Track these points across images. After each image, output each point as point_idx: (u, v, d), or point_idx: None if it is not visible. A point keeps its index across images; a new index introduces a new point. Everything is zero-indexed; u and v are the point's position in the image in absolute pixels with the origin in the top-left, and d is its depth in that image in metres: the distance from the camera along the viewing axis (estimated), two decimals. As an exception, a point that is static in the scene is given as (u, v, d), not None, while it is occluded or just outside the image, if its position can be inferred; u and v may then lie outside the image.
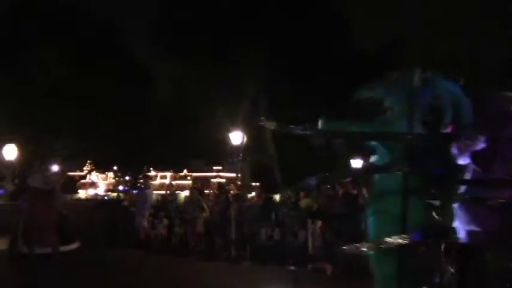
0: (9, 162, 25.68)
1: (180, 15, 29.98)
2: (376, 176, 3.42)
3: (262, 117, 3.35)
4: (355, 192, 9.86)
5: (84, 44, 29.29)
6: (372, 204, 3.42)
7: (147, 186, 14.46)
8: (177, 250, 12.22)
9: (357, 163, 27.19)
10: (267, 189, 18.72)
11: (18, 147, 25.17)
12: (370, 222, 3.44)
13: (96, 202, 23.70)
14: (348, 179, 10.82)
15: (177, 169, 49.62)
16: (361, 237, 8.74)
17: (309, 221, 9.84)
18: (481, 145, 3.06)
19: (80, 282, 7.91)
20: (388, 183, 3.22)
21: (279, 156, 4.83)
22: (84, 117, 29.53)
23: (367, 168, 3.39)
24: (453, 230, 3.19)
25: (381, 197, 3.28)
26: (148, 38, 30.38)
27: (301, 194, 11.24)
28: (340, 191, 10.23)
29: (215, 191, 14.39)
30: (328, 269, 9.37)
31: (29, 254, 7.56)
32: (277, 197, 17.32)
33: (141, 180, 26.31)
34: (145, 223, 12.77)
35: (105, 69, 29.52)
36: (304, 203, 10.91)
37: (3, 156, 25.68)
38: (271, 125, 3.31)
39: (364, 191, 9.33)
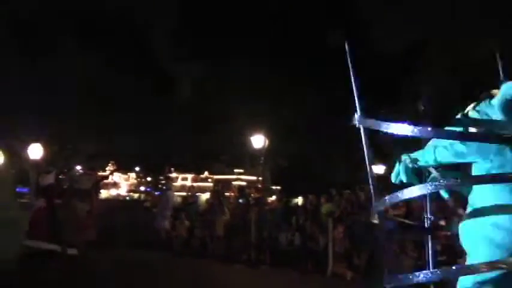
0: (34, 161, 26.13)
1: (202, 16, 30.15)
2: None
3: (360, 115, 3.04)
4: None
5: (106, 44, 29.64)
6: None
7: (169, 188, 14.51)
8: (197, 252, 12.26)
9: (378, 168, 26.98)
10: (287, 193, 18.68)
11: (43, 146, 25.60)
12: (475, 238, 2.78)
13: (118, 202, 23.94)
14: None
15: (198, 171, 49.85)
16: (381, 246, 8.63)
17: (330, 226, 9.77)
18: None
19: (99, 282, 7.99)
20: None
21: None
22: (107, 117, 29.90)
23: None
24: None
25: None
26: (171, 38, 30.60)
27: (322, 198, 11.18)
28: (363, 197, 10.15)
29: (236, 194, 14.40)
30: (348, 274, 9.30)
31: (34, 250, 7.63)
32: (297, 201, 17.25)
33: (163, 182, 26.47)
34: (166, 224, 12.83)
35: (127, 69, 29.82)
36: (325, 208, 10.85)
37: (28, 155, 26.13)
38: (370, 123, 3.03)
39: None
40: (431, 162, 3.11)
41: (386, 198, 2.84)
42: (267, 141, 20.50)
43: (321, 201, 11.15)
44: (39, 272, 7.62)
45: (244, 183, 37.71)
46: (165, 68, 31.03)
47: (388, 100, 26.80)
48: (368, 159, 3.06)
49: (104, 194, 45.57)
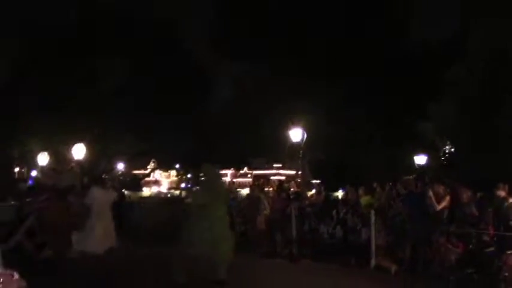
0: (78, 161, 26.82)
1: (240, 16, 30.31)
2: None
3: None
4: (418, 191, 9.59)
5: (145, 46, 30.15)
6: None
7: None
8: (238, 247, 12.32)
9: (420, 159, 26.53)
10: (327, 187, 18.58)
11: (86, 146, 26.25)
12: None
13: (159, 199, 24.32)
14: (412, 177, 10.55)
15: (237, 167, 50.14)
16: (426, 237, 8.49)
17: (372, 219, 9.65)
18: None
19: (143, 279, 8.15)
20: None
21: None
22: (148, 117, 30.43)
23: None
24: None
25: None
26: (209, 38, 30.86)
27: (360, 191, 11.05)
28: (403, 190, 9.98)
29: (275, 188, 14.39)
30: (392, 268, 9.18)
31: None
32: (337, 194, 17.11)
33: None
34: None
35: (167, 70, 30.25)
36: (364, 200, 10.73)
37: (72, 155, 26.86)
38: None
39: (430, 193, 9.03)
40: None
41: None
42: (305, 135, 20.42)
43: (360, 194, 11.03)
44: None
45: (283, 178, 37.70)
46: (204, 67, 31.33)
47: (428, 89, 26.34)
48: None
49: (145, 191, 46.49)
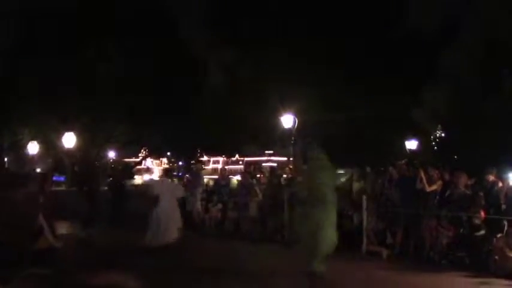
0: (69, 150, 26.68)
1: (233, 2, 30.08)
2: None
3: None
4: (410, 175, 9.62)
5: (139, 33, 29.87)
6: None
7: (198, 169, 14.87)
8: (230, 233, 12.35)
9: (411, 144, 26.62)
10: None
11: (76, 135, 26.10)
12: None
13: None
14: (403, 161, 10.57)
15: (229, 154, 50.11)
16: (417, 221, 8.53)
17: (364, 204, 9.68)
18: None
19: (133, 262, 8.14)
20: None
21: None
22: (139, 104, 30.24)
23: None
24: None
25: None
26: (202, 25, 30.59)
27: (354, 176, 11.05)
28: (395, 174, 10.00)
29: (267, 175, 14.38)
30: (384, 252, 9.23)
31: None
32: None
33: (193, 166, 26.84)
34: (198, 205, 12.98)
35: (159, 57, 30.00)
36: (357, 186, 10.73)
37: (63, 144, 26.71)
38: None
39: (422, 174, 9.08)
40: None
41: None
42: (297, 121, 20.40)
43: (353, 179, 11.03)
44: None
45: (275, 164, 37.74)
46: (196, 53, 31.07)
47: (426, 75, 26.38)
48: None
49: (137, 179, 46.33)
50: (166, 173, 10.33)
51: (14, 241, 6.84)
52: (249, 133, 33.77)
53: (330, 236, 7.16)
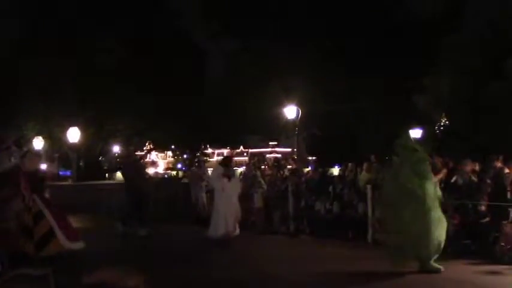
0: (74, 144, 26.76)
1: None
2: None
3: None
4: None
5: (141, 26, 29.82)
6: None
7: (202, 160, 14.89)
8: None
9: (416, 133, 26.58)
10: (323, 163, 18.58)
11: (81, 130, 26.18)
12: None
13: (157, 180, 24.28)
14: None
15: (233, 146, 50.08)
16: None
17: (369, 194, 9.67)
18: None
19: (141, 255, 8.18)
20: None
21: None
22: (143, 98, 30.26)
23: None
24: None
25: None
26: (203, 16, 30.49)
27: (365, 166, 11.01)
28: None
29: (271, 166, 14.39)
30: (389, 241, 9.21)
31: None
32: (333, 170, 17.09)
33: (197, 160, 26.88)
34: (203, 197, 13.03)
35: (161, 49, 29.96)
36: (364, 176, 10.70)
37: (67, 139, 26.80)
38: None
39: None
40: None
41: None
42: (300, 112, 20.37)
43: (359, 171, 11.03)
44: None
45: (279, 155, 37.72)
46: (198, 45, 31.00)
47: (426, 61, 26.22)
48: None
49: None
50: (226, 165, 9.27)
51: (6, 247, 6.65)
52: (252, 125, 33.74)
53: (437, 236, 6.72)
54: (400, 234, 6.69)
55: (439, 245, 6.72)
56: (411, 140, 7.09)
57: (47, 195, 7.25)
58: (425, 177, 6.68)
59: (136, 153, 16.95)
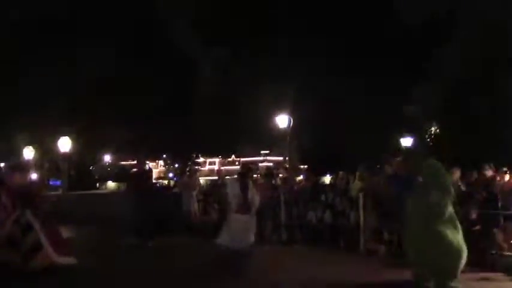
0: (64, 154, 26.59)
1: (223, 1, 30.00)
2: None
3: None
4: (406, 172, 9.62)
5: (131, 38, 29.83)
6: None
7: (193, 170, 14.77)
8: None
9: (406, 141, 26.68)
10: (315, 172, 18.61)
11: (72, 139, 26.03)
12: None
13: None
14: (399, 158, 10.60)
15: (225, 155, 50.08)
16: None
17: (361, 203, 9.70)
18: None
19: (132, 267, 8.14)
20: None
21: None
22: (135, 107, 30.22)
23: None
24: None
25: None
26: (193, 26, 30.52)
27: (357, 176, 11.02)
28: (390, 171, 10.01)
29: (263, 175, 14.38)
30: (381, 249, 9.25)
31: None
32: (325, 179, 17.09)
33: (189, 169, 26.88)
34: (195, 206, 12.98)
35: (152, 60, 29.96)
36: (356, 184, 10.73)
37: (58, 149, 26.62)
38: None
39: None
40: None
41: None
42: (292, 121, 20.41)
43: (351, 180, 11.04)
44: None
45: (271, 164, 37.76)
46: (189, 56, 30.97)
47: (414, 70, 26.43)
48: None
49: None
50: (243, 176, 8.46)
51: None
52: (244, 133, 33.78)
53: (461, 255, 6.61)
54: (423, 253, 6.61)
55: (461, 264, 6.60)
56: (434, 166, 6.96)
57: (46, 207, 7.17)
58: (449, 196, 6.70)
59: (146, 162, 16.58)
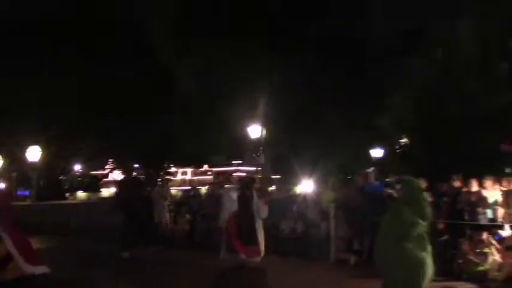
0: (33, 163, 26.12)
1: (200, 11, 29.98)
2: None
3: None
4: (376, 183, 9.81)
5: (104, 44, 29.47)
6: None
7: (164, 180, 14.73)
8: (199, 245, 12.29)
9: (377, 152, 27.02)
10: (287, 182, 18.72)
11: (42, 148, 25.60)
12: None
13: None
14: (371, 170, 10.79)
15: (197, 165, 49.82)
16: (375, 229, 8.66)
17: (331, 213, 9.81)
18: None
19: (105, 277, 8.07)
20: None
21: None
22: (105, 116, 29.87)
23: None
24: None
25: None
26: (169, 35, 30.40)
27: (329, 186, 11.13)
28: (361, 182, 10.18)
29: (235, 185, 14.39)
30: (351, 259, 9.36)
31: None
32: (297, 189, 17.23)
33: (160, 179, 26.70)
34: (167, 216, 12.92)
35: (125, 67, 29.67)
36: (327, 195, 10.85)
37: (27, 158, 26.14)
38: None
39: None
40: None
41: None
42: (264, 131, 20.49)
43: (322, 190, 11.18)
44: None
45: (243, 174, 37.73)
46: (163, 62, 30.76)
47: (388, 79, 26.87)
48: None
49: (105, 192, 45.72)
50: (246, 186, 8.25)
51: None
52: (216, 143, 33.70)
53: (430, 271, 6.50)
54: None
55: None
56: (412, 183, 6.85)
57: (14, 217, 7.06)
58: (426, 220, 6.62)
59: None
